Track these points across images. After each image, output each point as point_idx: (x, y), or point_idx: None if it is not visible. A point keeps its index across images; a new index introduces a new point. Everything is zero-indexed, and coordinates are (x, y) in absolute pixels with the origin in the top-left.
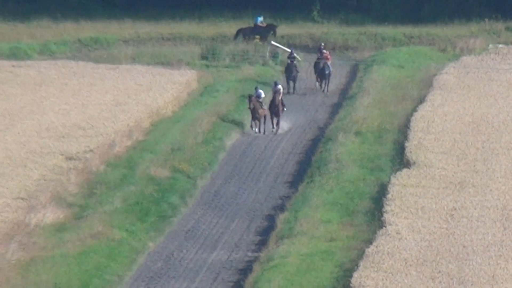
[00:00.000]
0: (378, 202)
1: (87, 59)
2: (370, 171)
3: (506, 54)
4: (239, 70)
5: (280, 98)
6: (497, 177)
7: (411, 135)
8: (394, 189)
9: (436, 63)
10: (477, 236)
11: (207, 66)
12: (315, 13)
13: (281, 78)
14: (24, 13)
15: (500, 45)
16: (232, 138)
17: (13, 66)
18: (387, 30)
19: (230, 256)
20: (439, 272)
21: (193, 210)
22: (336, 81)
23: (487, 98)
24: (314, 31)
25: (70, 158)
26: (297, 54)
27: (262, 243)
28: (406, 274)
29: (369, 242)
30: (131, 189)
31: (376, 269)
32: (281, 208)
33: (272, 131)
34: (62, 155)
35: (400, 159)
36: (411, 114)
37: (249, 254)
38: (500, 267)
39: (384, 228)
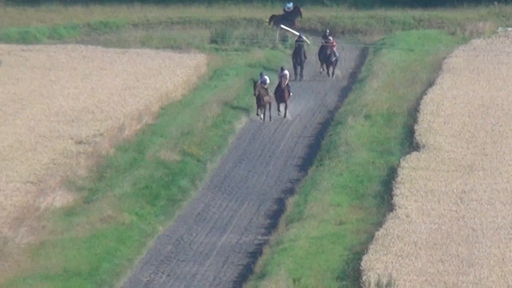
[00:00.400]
0: (387, 185)
1: (96, 43)
2: (380, 154)
3: None
4: (248, 54)
5: (286, 83)
6: (507, 160)
7: (420, 118)
8: (403, 172)
9: (446, 46)
10: (486, 219)
11: (217, 50)
12: None
13: (289, 62)
14: None
15: (510, 28)
16: (242, 121)
17: (22, 50)
18: (397, 13)
19: (240, 240)
20: (449, 255)
21: (202, 193)
22: (346, 64)
23: (496, 81)
24: (324, 14)
25: (80, 142)
26: (306, 37)
27: (271, 226)
28: (416, 257)
29: (379, 225)
30: (141, 172)
31: (385, 252)
32: (291, 191)
33: (279, 115)
34: (71, 139)
35: (410, 142)
36: (421, 97)
37: (259, 237)
38: (510, 250)
39: (393, 211)
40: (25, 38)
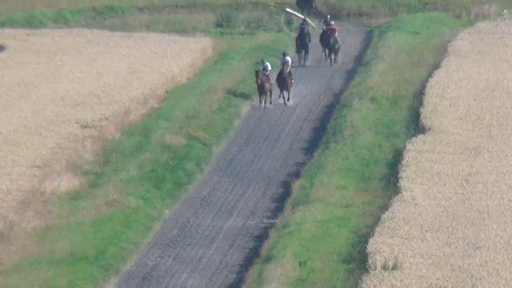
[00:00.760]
0: (393, 168)
1: (101, 27)
2: (386, 137)
3: None
4: (254, 37)
5: (288, 70)
6: None
7: (426, 101)
8: (409, 155)
9: (451, 29)
10: (492, 202)
11: (222, 34)
12: None
13: (295, 46)
14: None
15: None
16: (247, 105)
17: (27, 34)
18: None
19: (246, 223)
20: (455, 237)
21: (208, 177)
22: (351, 47)
23: (501, 63)
24: None
25: (85, 126)
26: (312, 21)
27: (277, 210)
28: (422, 240)
29: (385, 208)
30: (147, 156)
31: (391, 235)
32: (297, 174)
33: (285, 103)
34: (77, 123)
35: (415, 125)
36: (426, 80)
37: (265, 220)
38: None
39: (399, 194)
40: (30, 23)
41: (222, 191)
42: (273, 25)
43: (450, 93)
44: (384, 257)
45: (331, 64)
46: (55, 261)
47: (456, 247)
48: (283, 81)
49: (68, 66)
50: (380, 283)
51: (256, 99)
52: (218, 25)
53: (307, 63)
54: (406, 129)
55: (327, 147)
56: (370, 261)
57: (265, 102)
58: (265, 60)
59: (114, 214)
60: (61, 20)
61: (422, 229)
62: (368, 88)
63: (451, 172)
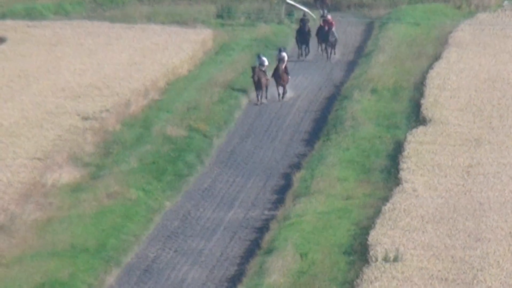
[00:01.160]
0: (394, 159)
1: (102, 18)
2: (386, 128)
3: None
4: (254, 29)
5: (284, 66)
6: None
7: (426, 92)
8: (410, 147)
9: (452, 20)
10: (493, 193)
11: (223, 25)
12: None
13: (293, 39)
14: None
15: None
16: (248, 96)
17: (28, 26)
18: None
19: (247, 215)
20: (456, 229)
21: (209, 169)
22: (352, 39)
23: (502, 54)
24: None
25: (86, 118)
26: (312, 12)
27: (278, 202)
28: (423, 231)
29: (386, 199)
30: (147, 148)
31: (392, 227)
32: (298, 166)
33: (279, 99)
34: (78, 115)
35: (416, 116)
36: (427, 72)
37: (266, 212)
38: None
39: (400, 185)
40: (30, 14)
41: (223, 183)
42: (273, 17)
43: (450, 84)
44: (385, 248)
45: (327, 59)
46: (56, 253)
47: (457, 238)
48: (279, 77)
49: (69, 58)
50: (381, 275)
51: (253, 94)
52: (219, 16)
53: (308, 58)
54: (406, 120)
55: (328, 139)
56: (371, 252)
57: (261, 98)
58: (261, 55)
59: (115, 206)
60: (62, 11)
61: (423, 220)
62: (369, 79)
63: (452, 164)
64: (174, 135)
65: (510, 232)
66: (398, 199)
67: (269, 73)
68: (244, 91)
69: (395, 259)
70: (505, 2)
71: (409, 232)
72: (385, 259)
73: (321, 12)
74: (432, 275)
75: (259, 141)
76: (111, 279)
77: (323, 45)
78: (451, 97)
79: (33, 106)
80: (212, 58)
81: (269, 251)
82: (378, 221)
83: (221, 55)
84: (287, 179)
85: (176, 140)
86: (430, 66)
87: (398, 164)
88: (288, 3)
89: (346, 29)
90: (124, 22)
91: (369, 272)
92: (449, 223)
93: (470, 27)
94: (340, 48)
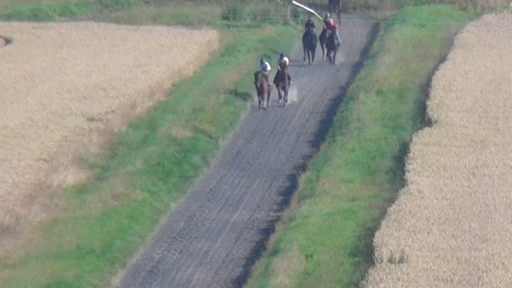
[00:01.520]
0: (399, 161)
1: (108, 20)
2: (392, 130)
3: None
4: (260, 30)
5: (286, 71)
6: None
7: (432, 93)
8: (415, 148)
9: (457, 21)
10: (499, 194)
11: (228, 26)
12: None
13: (300, 38)
14: None
15: None
16: (254, 98)
17: (34, 27)
18: None
19: (252, 216)
20: (461, 230)
21: (215, 170)
22: (357, 40)
23: (508, 56)
24: None
25: (92, 119)
26: (318, 13)
27: (284, 203)
28: (428, 233)
29: (391, 201)
30: (153, 149)
31: (398, 228)
32: (303, 167)
33: (280, 105)
34: (83, 116)
35: (422, 118)
36: (433, 73)
37: (271, 214)
38: None
39: (406, 187)
40: (36, 16)
41: (228, 184)
42: (279, 18)
43: (456, 86)
44: (391, 250)
45: (330, 63)
46: (61, 254)
47: (462, 240)
48: (280, 81)
49: (75, 59)
50: (387, 276)
51: (255, 99)
52: (224, 17)
53: (314, 62)
54: (412, 121)
55: (333, 140)
56: (376, 254)
57: (263, 103)
58: (264, 60)
59: (121, 207)
60: (67, 13)
61: (428, 222)
62: (375, 81)
63: (457, 165)
64: (180, 137)
65: None
66: (404, 201)
67: (271, 78)
68: (250, 92)
69: (401, 261)
70: (511, 4)
71: (414, 234)
72: (391, 261)
73: (325, 15)
74: (437, 276)
75: (264, 142)
76: (116, 280)
77: (325, 49)
78: (456, 99)
79: (39, 107)
80: (217, 59)
81: (275, 252)
82: (384, 222)
83: (226, 57)
84: (293, 180)
85: (181, 142)
86: (435, 68)
87: (403, 165)
88: (293, 4)
89: (352, 31)
90: (129, 23)
91: (374, 274)
92: (454, 225)
93: (475, 28)
94: (346, 49)
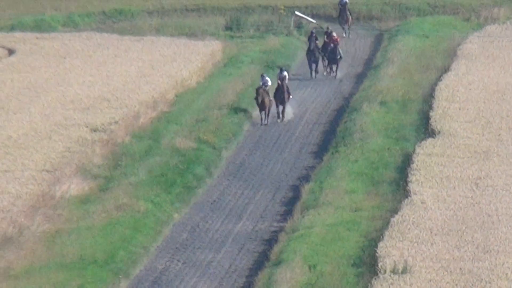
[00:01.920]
0: (403, 171)
1: (111, 30)
2: (395, 140)
3: None
4: (263, 41)
5: (285, 85)
6: None
7: (435, 104)
8: (419, 159)
9: (460, 32)
10: (502, 205)
11: (232, 37)
12: None
13: (304, 49)
14: None
15: None
16: (257, 109)
17: (37, 38)
18: None
19: (256, 227)
20: (465, 241)
21: (218, 181)
22: (361, 51)
23: (511, 66)
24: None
25: (95, 130)
26: (321, 24)
27: (287, 214)
28: (432, 244)
29: (394, 211)
30: (156, 160)
31: (401, 239)
32: (306, 178)
33: (278, 120)
34: (87, 127)
35: (425, 129)
36: (436, 84)
37: (275, 224)
38: None
39: (409, 197)
40: (40, 26)
41: (231, 195)
42: (282, 29)
43: (459, 97)
44: (394, 260)
45: (331, 75)
46: (65, 265)
47: (465, 250)
48: (280, 96)
49: (78, 69)
50: (390, 287)
51: (256, 114)
52: (228, 28)
53: (317, 76)
54: (415, 132)
55: (336, 151)
56: (379, 264)
57: (265, 119)
58: (265, 75)
59: (124, 218)
60: (71, 23)
61: (431, 232)
62: (378, 91)
63: (460, 176)
64: (183, 147)
65: None
66: (407, 211)
67: (271, 93)
68: (253, 103)
69: (404, 271)
70: None
71: (417, 244)
72: (394, 271)
73: (326, 28)
74: (440, 287)
75: (267, 153)
76: None
77: (326, 62)
78: (460, 109)
79: (42, 118)
80: (221, 70)
81: (278, 263)
82: (387, 233)
83: (230, 67)
84: (296, 191)
85: (185, 152)
86: (439, 78)
87: (406, 176)
88: (297, 15)
89: (355, 41)
90: (133, 34)
91: (377, 284)
92: (457, 235)
93: (479, 39)
94: (349, 60)
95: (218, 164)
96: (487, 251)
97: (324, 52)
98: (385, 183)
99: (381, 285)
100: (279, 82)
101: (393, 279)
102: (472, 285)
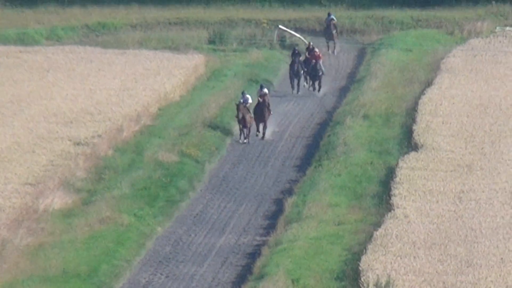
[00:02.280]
0: (386, 185)
1: (94, 44)
2: (378, 154)
3: None
4: (246, 54)
5: (267, 101)
6: (505, 160)
7: (419, 118)
8: (402, 172)
9: (444, 46)
10: (485, 219)
11: (215, 51)
12: None
13: (287, 62)
14: None
15: (508, 28)
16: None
17: (20, 51)
18: (395, 13)
19: (239, 240)
20: (448, 254)
21: (201, 194)
22: (344, 65)
23: (494, 80)
24: (321, 14)
25: (78, 143)
26: (304, 37)
27: (270, 227)
28: (415, 257)
29: (377, 225)
30: (139, 174)
31: (384, 252)
32: (289, 192)
33: (257, 136)
34: (70, 140)
35: (408, 142)
36: (419, 97)
37: (258, 238)
38: (508, 250)
39: (392, 211)
40: (23, 40)
41: (214, 209)
42: (266, 42)
43: (442, 110)
44: (377, 274)
45: (313, 91)
46: (47, 278)
47: (448, 264)
48: (261, 113)
49: (61, 83)
50: None
51: (236, 131)
52: (211, 42)
53: (300, 93)
54: (398, 146)
55: (319, 165)
56: (362, 278)
57: (248, 136)
58: (245, 92)
59: (107, 231)
60: (54, 37)
61: (414, 246)
62: (361, 105)
63: (443, 190)
64: (166, 161)
65: (501, 258)
66: (390, 225)
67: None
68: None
69: (387, 285)
70: (497, 28)
71: (400, 258)
72: (377, 285)
73: (307, 44)
74: None
75: (251, 167)
76: None
77: (308, 78)
78: (443, 123)
79: (25, 131)
80: (204, 83)
81: (261, 277)
82: (370, 246)
83: (213, 81)
84: (279, 204)
85: (168, 166)
86: (422, 92)
87: (389, 190)
88: (280, 29)
89: (338, 55)
90: (116, 47)
91: None
92: (440, 249)
93: (462, 53)
94: (332, 73)
95: (201, 177)
96: (470, 265)
97: (306, 68)
98: (368, 196)
99: None
100: (259, 99)
101: None
102: None
